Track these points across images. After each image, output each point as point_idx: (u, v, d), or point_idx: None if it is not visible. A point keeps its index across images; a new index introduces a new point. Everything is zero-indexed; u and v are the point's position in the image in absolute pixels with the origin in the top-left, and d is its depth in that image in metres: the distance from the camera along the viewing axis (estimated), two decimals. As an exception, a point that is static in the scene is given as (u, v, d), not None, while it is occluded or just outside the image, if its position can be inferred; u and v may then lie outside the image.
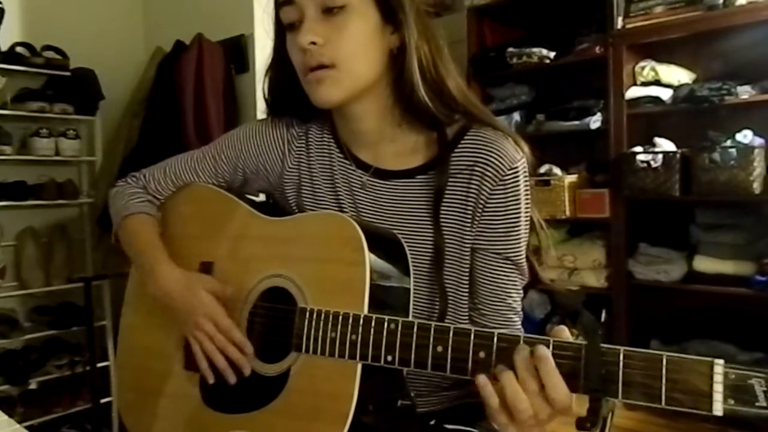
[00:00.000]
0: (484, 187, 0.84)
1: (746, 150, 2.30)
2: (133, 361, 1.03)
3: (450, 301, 0.86)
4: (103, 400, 2.55)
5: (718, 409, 0.56)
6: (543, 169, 2.88)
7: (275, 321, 0.83)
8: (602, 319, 3.03)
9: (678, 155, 2.45)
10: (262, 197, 1.07)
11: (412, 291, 0.80)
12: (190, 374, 0.91)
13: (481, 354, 0.67)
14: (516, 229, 0.86)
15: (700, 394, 0.57)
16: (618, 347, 0.61)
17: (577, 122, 2.79)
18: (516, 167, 0.84)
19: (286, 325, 0.80)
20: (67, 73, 2.54)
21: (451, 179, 0.86)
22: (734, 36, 2.48)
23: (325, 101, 0.86)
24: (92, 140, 2.67)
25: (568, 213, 2.77)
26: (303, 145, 0.96)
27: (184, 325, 0.89)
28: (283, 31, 0.88)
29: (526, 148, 0.88)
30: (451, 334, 0.68)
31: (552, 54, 2.87)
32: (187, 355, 0.91)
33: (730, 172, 2.30)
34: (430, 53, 0.86)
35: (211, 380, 0.87)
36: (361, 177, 0.92)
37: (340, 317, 0.75)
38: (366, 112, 0.90)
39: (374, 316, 0.73)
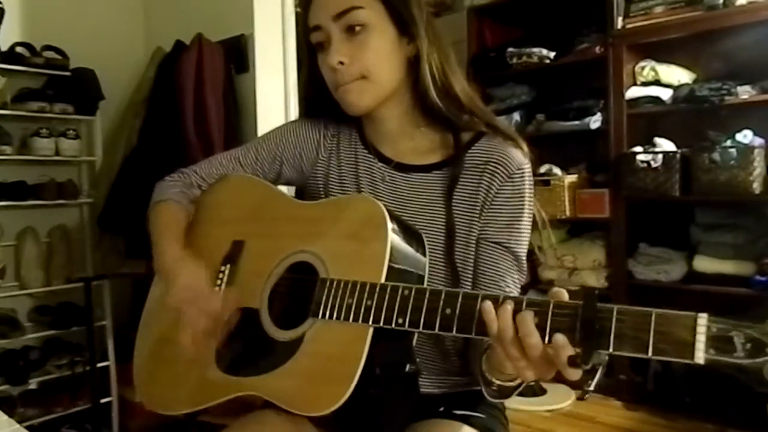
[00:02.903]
0: (494, 183, 0.94)
1: (746, 150, 2.30)
2: (152, 333, 1.07)
3: (459, 283, 0.93)
4: (103, 400, 2.55)
5: (699, 357, 0.60)
6: (543, 169, 2.88)
7: (296, 291, 0.89)
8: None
9: (678, 155, 2.45)
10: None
11: (426, 278, 0.85)
12: (208, 341, 0.94)
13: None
14: (518, 222, 0.94)
15: (684, 344, 0.62)
16: (612, 305, 0.66)
17: (577, 122, 2.79)
18: (523, 169, 0.95)
19: (307, 294, 0.85)
20: (67, 73, 2.53)
21: (464, 174, 0.95)
22: (734, 36, 2.48)
23: (357, 108, 0.97)
24: (92, 140, 2.67)
25: (568, 213, 2.77)
26: (335, 142, 1.08)
27: (170, 297, 0.94)
28: (313, 51, 1.00)
29: (528, 155, 0.98)
30: (460, 298, 0.73)
31: (552, 54, 2.87)
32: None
33: (730, 172, 2.30)
34: (439, 60, 0.97)
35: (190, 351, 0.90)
36: (382, 170, 1.01)
37: (358, 285, 0.80)
38: (390, 115, 1.01)
39: (389, 284, 0.78)
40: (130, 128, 2.63)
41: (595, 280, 2.76)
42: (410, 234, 0.88)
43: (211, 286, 0.95)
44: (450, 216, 0.94)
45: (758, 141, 2.35)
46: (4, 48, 2.43)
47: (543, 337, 0.67)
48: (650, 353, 0.63)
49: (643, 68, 2.61)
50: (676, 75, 2.61)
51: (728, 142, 2.36)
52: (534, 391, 2.67)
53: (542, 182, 2.81)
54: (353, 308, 0.79)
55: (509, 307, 0.69)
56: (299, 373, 0.82)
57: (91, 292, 2.50)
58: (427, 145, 1.01)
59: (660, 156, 2.48)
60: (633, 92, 2.61)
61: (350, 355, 0.77)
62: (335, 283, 0.82)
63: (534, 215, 0.97)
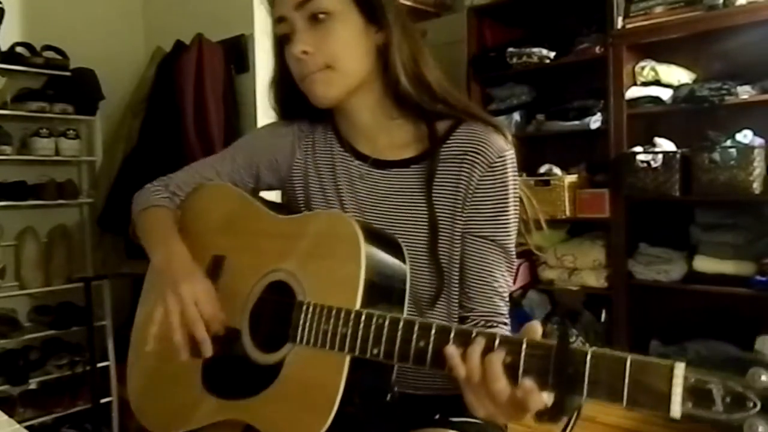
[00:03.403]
0: (474, 173, 0.91)
1: (746, 150, 2.30)
2: (145, 350, 1.04)
3: (444, 280, 0.92)
4: (103, 400, 2.55)
5: (675, 411, 0.57)
6: (543, 169, 2.88)
7: (276, 313, 0.87)
8: (602, 319, 3.05)
9: (678, 155, 2.45)
10: (272, 196, 1.11)
11: (408, 287, 0.83)
12: (193, 361, 0.93)
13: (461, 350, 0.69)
14: (503, 213, 0.92)
15: (660, 395, 0.58)
16: (586, 348, 0.62)
17: (577, 122, 2.79)
18: (504, 156, 0.91)
19: (286, 317, 0.84)
20: (67, 73, 2.54)
21: (443, 166, 0.92)
22: (734, 36, 2.48)
23: (324, 99, 0.94)
24: (92, 140, 2.67)
25: (568, 213, 2.76)
26: (310, 142, 1.05)
27: (165, 288, 0.89)
28: (282, 44, 0.97)
29: (510, 140, 0.95)
30: (433, 331, 0.71)
31: (552, 54, 2.87)
32: (193, 342, 0.92)
33: (730, 172, 2.30)
34: (409, 49, 0.94)
35: (184, 356, 0.87)
36: (359, 168, 0.99)
37: (333, 311, 0.78)
38: (361, 107, 0.98)
39: (365, 311, 0.77)
40: (130, 128, 2.63)
41: (595, 280, 2.76)
42: (387, 245, 0.85)
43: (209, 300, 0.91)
44: (432, 212, 0.92)
45: (758, 141, 2.35)
46: (4, 48, 2.43)
47: (515, 378, 0.65)
48: (624, 403, 0.60)
49: (643, 68, 2.61)
50: (676, 75, 2.60)
51: (728, 142, 2.35)
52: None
53: (542, 182, 2.80)
54: (329, 335, 0.78)
55: (478, 348, 0.67)
56: (280, 400, 0.82)
57: (91, 292, 2.51)
58: (404, 138, 0.98)
59: (660, 156, 2.47)
60: (633, 92, 2.61)
61: (329, 383, 0.76)
62: (311, 307, 0.81)
63: (521, 201, 0.95)
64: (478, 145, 0.91)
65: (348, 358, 0.76)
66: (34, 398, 2.49)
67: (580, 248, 2.81)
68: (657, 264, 2.57)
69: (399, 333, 0.73)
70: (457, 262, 0.92)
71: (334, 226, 0.84)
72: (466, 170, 0.91)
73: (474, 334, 0.68)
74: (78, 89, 2.54)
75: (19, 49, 2.47)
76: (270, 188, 1.10)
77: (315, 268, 0.84)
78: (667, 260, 2.55)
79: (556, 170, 2.86)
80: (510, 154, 0.92)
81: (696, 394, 0.57)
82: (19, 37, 2.53)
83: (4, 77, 2.40)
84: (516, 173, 0.93)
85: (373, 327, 0.75)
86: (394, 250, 0.86)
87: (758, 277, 2.29)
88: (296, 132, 1.05)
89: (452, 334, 0.70)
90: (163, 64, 2.59)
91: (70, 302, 2.61)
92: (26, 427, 0.96)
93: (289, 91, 1.00)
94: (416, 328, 0.72)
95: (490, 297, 0.92)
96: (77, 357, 2.56)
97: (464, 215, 0.91)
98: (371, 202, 0.96)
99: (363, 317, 0.76)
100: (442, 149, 0.93)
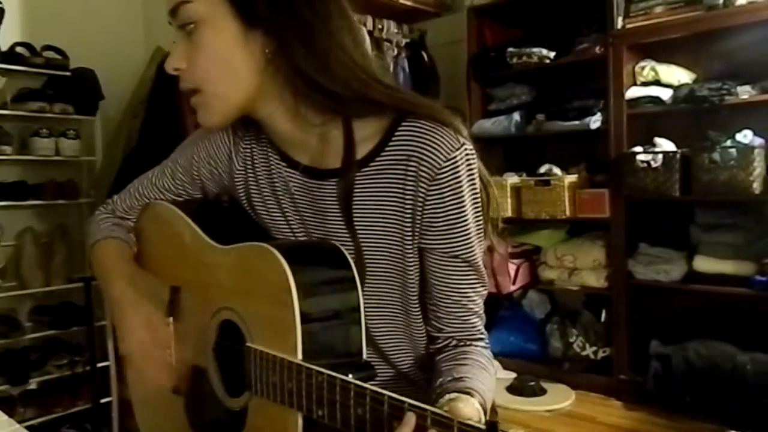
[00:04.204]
0: (421, 185, 0.77)
1: (746, 150, 2.30)
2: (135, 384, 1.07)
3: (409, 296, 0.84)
4: (103, 400, 2.55)
5: None
6: (543, 169, 2.88)
7: (232, 356, 0.82)
8: (602, 319, 3.05)
9: (678, 155, 2.45)
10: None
11: (362, 306, 0.76)
12: (177, 397, 0.92)
13: (395, 423, 0.61)
14: (460, 224, 0.79)
15: None
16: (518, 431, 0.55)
17: (577, 122, 2.79)
18: (454, 158, 0.76)
19: (240, 363, 0.79)
20: (67, 73, 2.54)
21: (386, 176, 0.79)
22: (734, 36, 2.48)
23: (208, 125, 0.84)
24: (92, 140, 2.67)
25: (568, 213, 2.77)
26: (248, 149, 0.91)
27: (121, 343, 0.90)
28: None
29: (465, 132, 0.80)
30: (368, 399, 0.63)
31: (552, 54, 2.87)
32: (173, 380, 0.92)
33: (730, 172, 2.30)
34: (310, 44, 0.76)
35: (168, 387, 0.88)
36: (293, 176, 0.86)
37: (278, 362, 0.72)
38: (274, 116, 0.83)
39: (305, 365, 0.69)
40: (130, 128, 2.63)
41: (595, 280, 2.76)
42: (328, 264, 0.77)
43: (166, 340, 0.90)
44: (353, 233, 0.80)
45: (758, 141, 2.35)
46: (4, 48, 2.43)
47: None
48: None
49: (643, 68, 2.61)
50: (676, 75, 2.60)
51: (728, 142, 2.36)
52: (534, 391, 2.67)
53: (542, 182, 2.81)
54: (278, 389, 0.72)
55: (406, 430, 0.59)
56: None
57: (91, 292, 2.51)
58: (338, 140, 0.81)
59: (660, 156, 2.47)
60: (633, 92, 2.61)
61: None
62: (259, 355, 0.75)
63: (481, 202, 0.82)
64: (422, 149, 0.76)
65: (300, 418, 0.71)
66: (34, 398, 2.49)
67: (580, 248, 2.82)
68: (657, 264, 2.57)
69: (337, 396, 0.65)
70: (414, 281, 0.82)
71: (264, 264, 0.75)
72: (411, 181, 0.77)
73: (406, 408, 0.60)
74: (78, 89, 2.54)
75: (19, 49, 2.47)
76: (218, 197, 1.00)
77: (256, 311, 0.78)
78: (667, 260, 2.55)
79: (556, 170, 2.86)
80: (461, 153, 0.77)
81: None
82: (19, 37, 2.53)
83: (4, 77, 2.40)
84: (472, 171, 0.79)
85: (314, 385, 0.67)
86: (334, 262, 0.78)
87: (758, 277, 2.29)
88: (232, 137, 0.91)
89: (386, 406, 0.62)
90: (163, 64, 2.59)
91: (70, 302, 2.62)
92: (26, 427, 0.96)
93: None
94: (352, 392, 0.64)
95: (460, 315, 0.83)
96: (77, 357, 2.56)
97: (417, 230, 0.79)
98: (311, 213, 0.85)
99: (303, 372, 0.69)
100: (382, 153, 0.79)
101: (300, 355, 0.70)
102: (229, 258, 0.83)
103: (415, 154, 0.77)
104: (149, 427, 1.03)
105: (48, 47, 2.54)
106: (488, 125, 3.01)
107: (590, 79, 2.80)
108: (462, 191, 0.78)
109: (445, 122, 0.78)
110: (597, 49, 2.70)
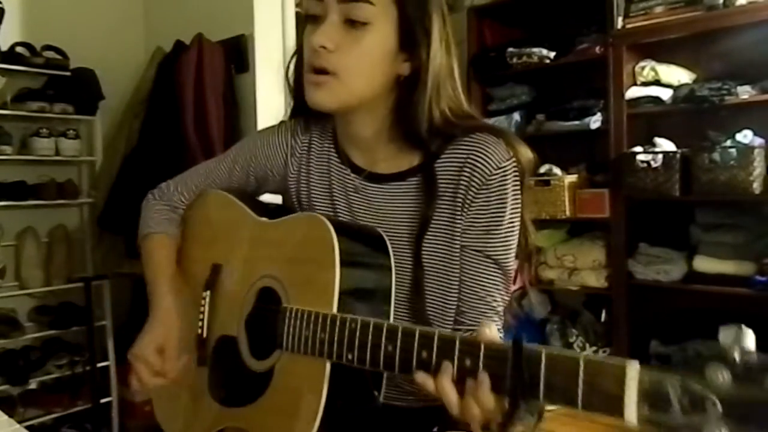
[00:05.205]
0: (472, 187, 0.85)
1: (746, 150, 2.30)
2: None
3: (433, 304, 0.88)
4: (103, 400, 2.55)
5: (630, 416, 0.52)
6: (543, 169, 2.88)
7: (266, 320, 0.88)
8: (602, 319, 3.04)
9: (678, 155, 2.45)
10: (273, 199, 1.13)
11: (393, 285, 0.82)
12: (202, 369, 0.97)
13: (424, 353, 0.68)
14: (499, 227, 0.86)
15: (614, 398, 0.53)
16: (541, 348, 0.59)
17: (577, 122, 2.79)
18: (504, 167, 0.85)
19: (273, 324, 0.85)
20: (67, 73, 2.53)
21: (441, 176, 0.87)
22: (734, 36, 2.48)
23: (318, 105, 0.88)
24: (92, 140, 2.67)
25: (568, 213, 2.77)
26: (305, 152, 1.00)
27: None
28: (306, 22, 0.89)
29: (523, 149, 0.88)
30: (399, 334, 0.70)
31: (552, 54, 2.87)
32: (200, 351, 0.98)
33: (730, 172, 2.30)
34: (434, 82, 0.86)
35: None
36: (354, 180, 0.95)
37: (312, 316, 0.79)
38: (363, 124, 0.92)
39: (339, 315, 0.76)
40: (130, 128, 2.63)
41: (595, 280, 2.76)
42: (368, 242, 0.85)
43: (178, 350, 0.97)
44: (428, 216, 0.87)
45: (758, 141, 2.35)
46: (4, 48, 2.43)
47: (474, 375, 0.64)
48: (580, 407, 0.56)
49: (643, 68, 2.61)
50: (676, 75, 2.60)
51: (728, 142, 2.35)
52: (534, 391, 2.66)
53: (542, 182, 2.80)
54: (310, 341, 0.78)
55: (447, 376, 0.66)
56: (272, 407, 0.84)
57: (91, 292, 2.51)
58: (401, 150, 0.92)
59: (660, 156, 2.47)
60: (633, 92, 2.61)
61: (313, 389, 0.77)
62: (294, 312, 0.81)
63: (521, 215, 0.88)
64: (476, 156, 0.85)
65: (328, 365, 0.77)
66: (34, 398, 2.48)
67: (580, 248, 2.82)
68: (657, 264, 2.57)
69: (369, 338, 0.72)
70: (456, 286, 0.88)
71: (311, 230, 0.83)
72: (464, 185, 0.85)
73: (435, 336, 0.67)
74: (78, 89, 2.54)
75: (19, 49, 2.47)
76: (275, 193, 1.10)
77: (297, 274, 0.85)
78: (667, 260, 2.55)
79: (556, 170, 2.86)
80: (510, 164, 0.85)
81: (652, 396, 0.51)
82: (19, 37, 2.53)
83: (4, 77, 2.39)
84: (517, 184, 0.86)
85: (346, 331, 0.74)
86: (376, 246, 0.84)
87: (758, 277, 2.29)
88: (290, 142, 1.01)
89: (417, 336, 0.68)
90: (163, 64, 2.58)
91: (70, 302, 2.61)
92: (26, 427, 0.97)
93: (301, 78, 0.92)
94: (384, 331, 0.71)
95: (482, 311, 0.88)
96: (77, 357, 2.56)
97: (462, 227, 0.87)
98: (365, 215, 0.93)
99: (338, 321, 0.75)
100: (440, 159, 0.88)
101: (335, 309, 0.77)
102: (278, 230, 0.92)
103: (470, 161, 0.85)
104: (164, 398, 1.07)
105: (48, 47, 2.54)
106: (488, 125, 3.00)
107: (590, 79, 2.80)
108: (506, 198, 0.85)
109: (501, 135, 0.87)
110: (597, 49, 2.70)
